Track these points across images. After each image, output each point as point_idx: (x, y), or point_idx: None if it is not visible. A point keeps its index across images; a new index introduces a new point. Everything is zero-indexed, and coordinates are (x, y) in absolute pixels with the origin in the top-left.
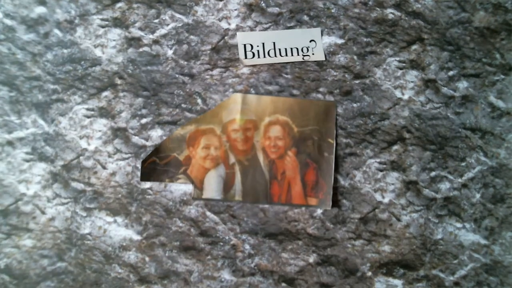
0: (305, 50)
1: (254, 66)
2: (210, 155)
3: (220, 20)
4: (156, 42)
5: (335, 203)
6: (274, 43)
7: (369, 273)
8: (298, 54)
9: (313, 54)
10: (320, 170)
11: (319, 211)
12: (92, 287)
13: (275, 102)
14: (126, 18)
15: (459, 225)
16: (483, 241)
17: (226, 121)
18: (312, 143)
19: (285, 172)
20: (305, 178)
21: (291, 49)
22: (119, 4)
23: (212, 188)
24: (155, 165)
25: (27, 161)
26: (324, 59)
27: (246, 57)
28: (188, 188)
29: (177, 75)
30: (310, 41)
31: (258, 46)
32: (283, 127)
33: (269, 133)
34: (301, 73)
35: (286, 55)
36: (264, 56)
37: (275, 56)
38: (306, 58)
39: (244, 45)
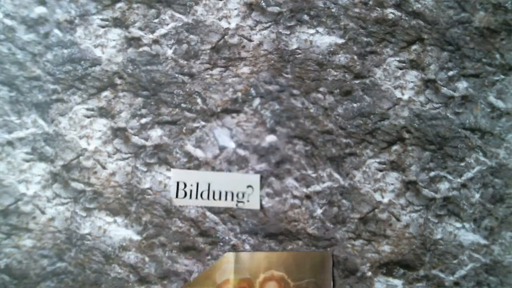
0: (240, 195)
1: (254, 66)
2: None
3: (220, 19)
4: (156, 41)
5: None
6: (209, 184)
7: (369, 273)
8: (232, 199)
9: (248, 201)
10: None
11: (319, 211)
12: (92, 287)
13: (269, 257)
14: (126, 18)
15: (458, 225)
16: (482, 241)
17: (219, 283)
18: None
19: None
20: None
21: (226, 192)
22: (119, 4)
23: None
24: None
25: (27, 161)
26: (259, 208)
27: (177, 196)
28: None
29: (177, 75)
30: (248, 186)
31: (192, 185)
32: (278, 283)
33: None
34: (302, 72)
35: (220, 198)
36: (196, 198)
37: (208, 198)
38: (240, 205)
39: (178, 182)
